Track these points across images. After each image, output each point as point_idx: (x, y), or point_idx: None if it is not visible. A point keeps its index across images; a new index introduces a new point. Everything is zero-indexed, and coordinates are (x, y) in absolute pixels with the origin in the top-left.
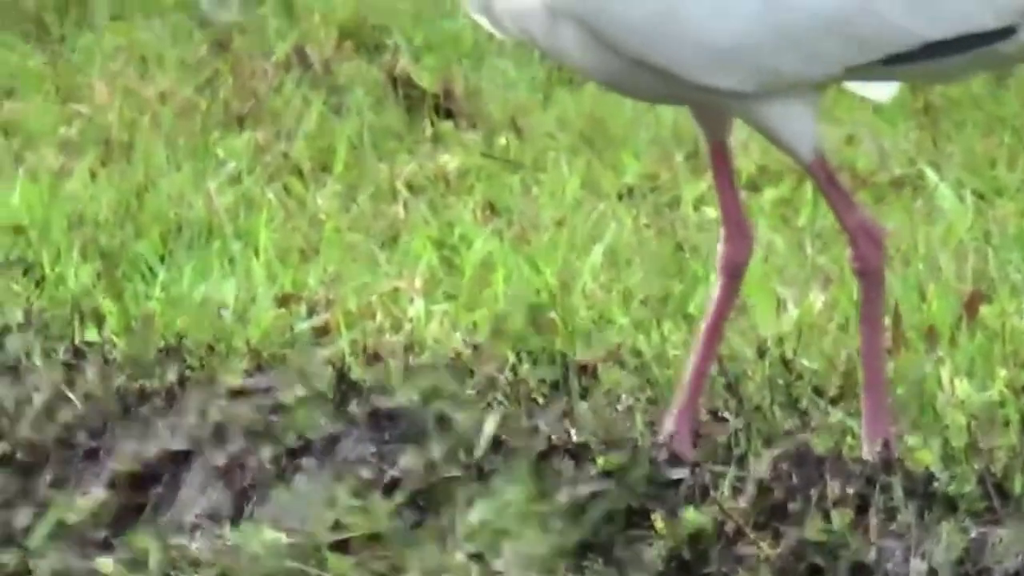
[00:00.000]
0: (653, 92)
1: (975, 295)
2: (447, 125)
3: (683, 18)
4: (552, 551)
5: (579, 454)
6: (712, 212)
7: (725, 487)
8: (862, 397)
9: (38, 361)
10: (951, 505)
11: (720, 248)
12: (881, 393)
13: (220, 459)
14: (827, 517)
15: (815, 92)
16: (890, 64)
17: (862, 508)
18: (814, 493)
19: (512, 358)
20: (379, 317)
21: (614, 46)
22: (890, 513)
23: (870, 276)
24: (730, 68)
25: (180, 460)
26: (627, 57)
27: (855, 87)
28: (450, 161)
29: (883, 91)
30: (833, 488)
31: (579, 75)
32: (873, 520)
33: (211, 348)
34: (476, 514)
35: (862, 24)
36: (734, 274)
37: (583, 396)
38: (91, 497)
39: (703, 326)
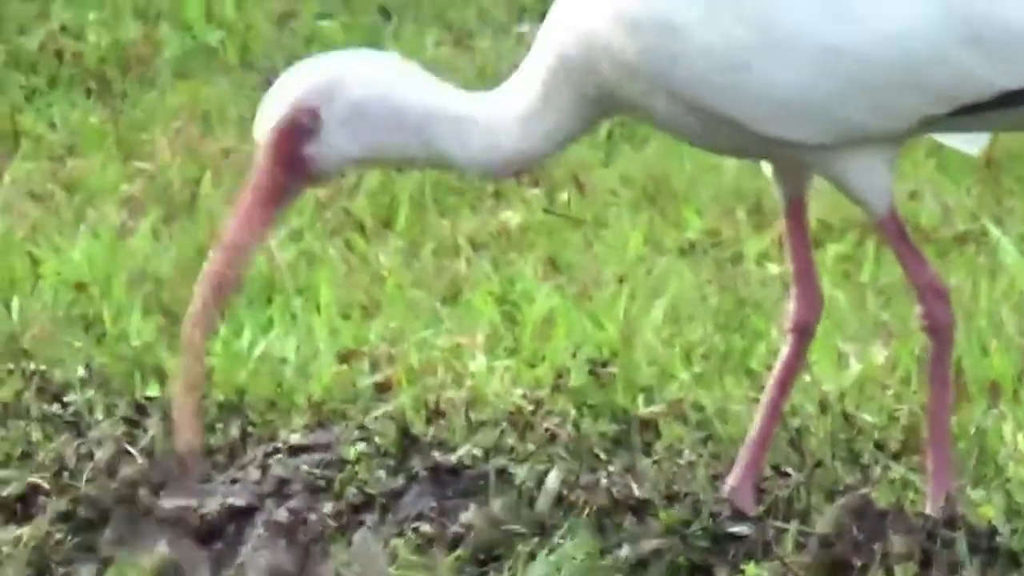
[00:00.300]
0: (728, 145)
1: None
2: (509, 181)
3: (756, 70)
4: None
5: (641, 509)
6: (774, 268)
7: (788, 542)
8: (926, 452)
9: (100, 417)
10: (1014, 560)
11: (790, 307)
12: (946, 448)
13: (282, 515)
14: (890, 572)
15: (891, 145)
16: (966, 114)
17: (925, 563)
18: (877, 548)
19: (574, 413)
20: (441, 372)
21: (689, 100)
22: (953, 568)
23: (939, 333)
24: (803, 120)
25: (242, 516)
26: (702, 110)
27: (943, 139)
28: (512, 217)
29: (972, 143)
30: (896, 543)
31: (657, 127)
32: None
33: (272, 404)
34: (538, 570)
35: (934, 74)
36: (804, 333)
37: (645, 451)
38: (153, 554)
39: (770, 383)
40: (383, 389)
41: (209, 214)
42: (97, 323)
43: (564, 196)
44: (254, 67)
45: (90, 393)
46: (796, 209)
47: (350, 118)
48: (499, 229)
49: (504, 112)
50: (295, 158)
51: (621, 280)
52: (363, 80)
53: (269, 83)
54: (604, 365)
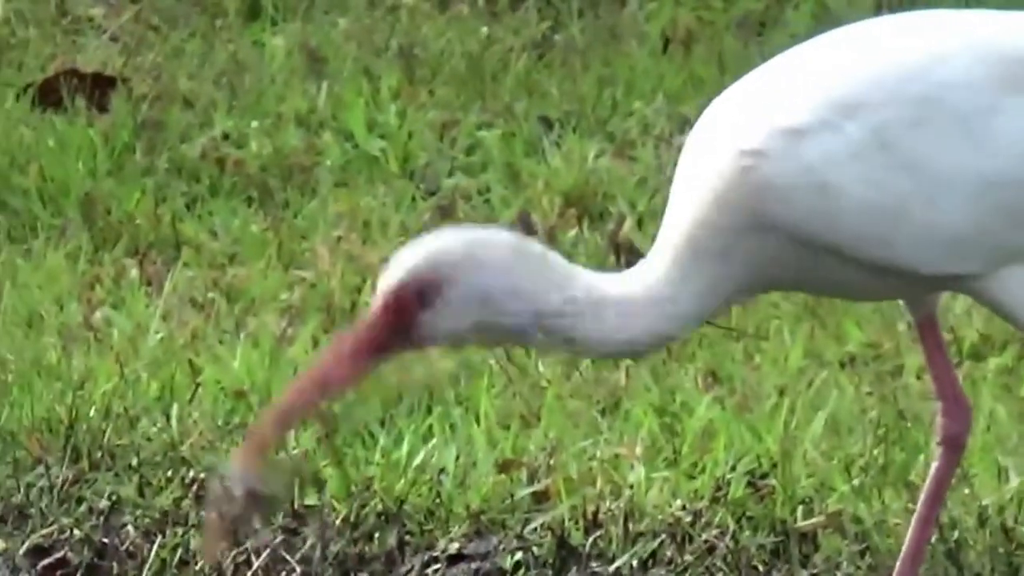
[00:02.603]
0: (875, 290)
1: None
2: None
3: (915, 216)
4: None
5: None
6: None
7: None
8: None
9: (257, 525)
10: None
11: (939, 421)
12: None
13: None
14: None
15: None
16: None
17: None
18: None
19: (733, 525)
20: (599, 483)
21: (847, 254)
22: None
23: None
24: (963, 254)
25: None
26: (853, 261)
27: None
28: None
29: None
30: None
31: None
32: None
33: (431, 513)
34: None
35: None
36: (954, 446)
37: (803, 563)
38: None
39: (922, 497)
40: (541, 499)
41: None
42: None
43: None
44: (415, 176)
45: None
46: (929, 326)
47: (472, 299)
48: None
49: (637, 294)
50: (407, 323)
51: (781, 392)
52: (494, 264)
53: (430, 193)
54: (763, 477)
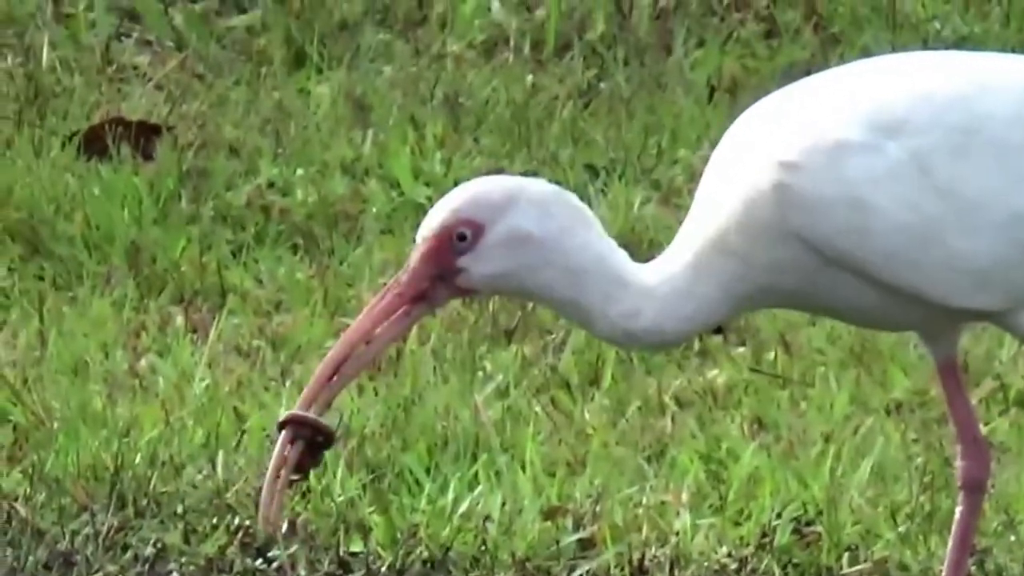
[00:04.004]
0: (894, 317)
1: None
2: (716, 340)
3: (946, 243)
4: None
5: None
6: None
7: None
8: None
9: (303, 572)
10: None
11: (959, 464)
12: None
13: None
14: None
15: None
16: None
17: None
18: None
19: (778, 572)
20: (645, 530)
21: (873, 275)
22: None
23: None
24: (988, 288)
25: None
26: (879, 285)
27: None
28: (718, 376)
29: None
30: None
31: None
32: None
33: (476, 560)
34: None
35: None
36: (976, 489)
37: None
38: None
39: (950, 544)
40: (587, 546)
41: (413, 370)
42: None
43: (771, 355)
44: None
45: (294, 548)
46: (949, 368)
47: (511, 242)
48: (705, 387)
49: (653, 285)
50: (447, 267)
51: (827, 439)
52: (535, 210)
53: None
54: (809, 524)
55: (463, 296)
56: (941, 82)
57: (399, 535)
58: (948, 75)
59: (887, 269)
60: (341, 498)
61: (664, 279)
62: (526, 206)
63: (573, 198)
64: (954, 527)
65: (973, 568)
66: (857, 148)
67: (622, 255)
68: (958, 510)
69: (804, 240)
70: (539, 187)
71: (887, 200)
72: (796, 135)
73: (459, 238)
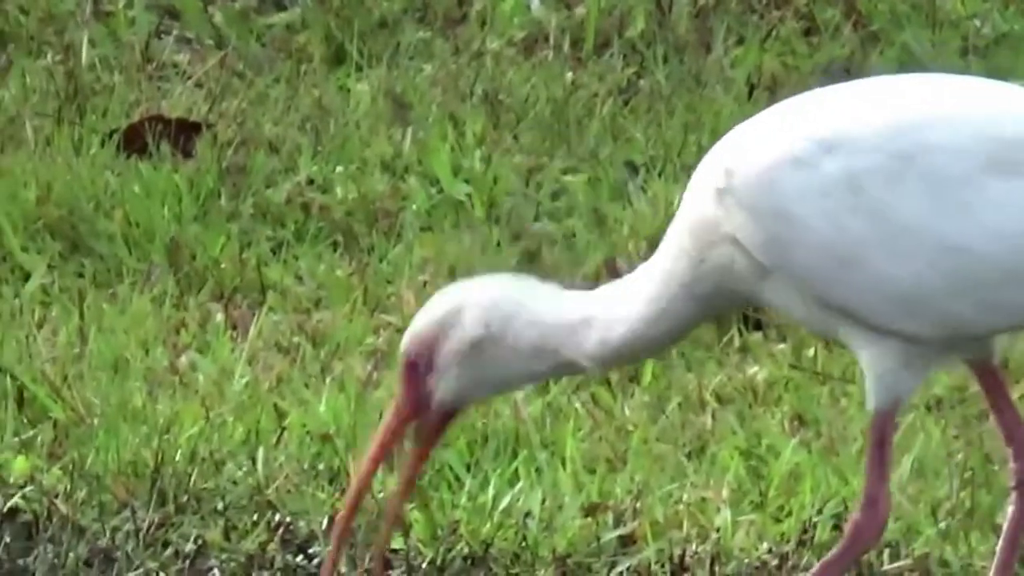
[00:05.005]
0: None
1: None
2: (756, 336)
3: (869, 264)
4: None
5: None
6: None
7: None
8: None
9: (343, 569)
10: None
11: (1011, 466)
12: None
13: None
14: None
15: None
16: None
17: None
18: None
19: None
20: (686, 526)
21: (804, 288)
22: None
23: None
24: (913, 314)
25: None
26: (815, 299)
27: None
28: (759, 372)
29: None
30: None
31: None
32: None
33: (517, 557)
34: None
35: None
36: None
37: None
38: None
39: (1000, 543)
40: (628, 543)
41: None
42: (342, 475)
43: (811, 351)
44: (500, 221)
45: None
46: (987, 373)
47: (466, 354)
48: (745, 384)
49: (617, 308)
50: (418, 392)
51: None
52: (479, 311)
53: (516, 237)
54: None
55: (446, 417)
56: (897, 107)
57: (439, 532)
58: (910, 102)
59: (815, 284)
60: (381, 495)
61: (628, 301)
62: (469, 313)
63: (510, 278)
64: (1004, 528)
65: (1022, 571)
66: (793, 161)
67: (578, 297)
68: (1009, 510)
69: (740, 246)
70: (479, 290)
71: (813, 215)
72: (744, 144)
73: (419, 361)
